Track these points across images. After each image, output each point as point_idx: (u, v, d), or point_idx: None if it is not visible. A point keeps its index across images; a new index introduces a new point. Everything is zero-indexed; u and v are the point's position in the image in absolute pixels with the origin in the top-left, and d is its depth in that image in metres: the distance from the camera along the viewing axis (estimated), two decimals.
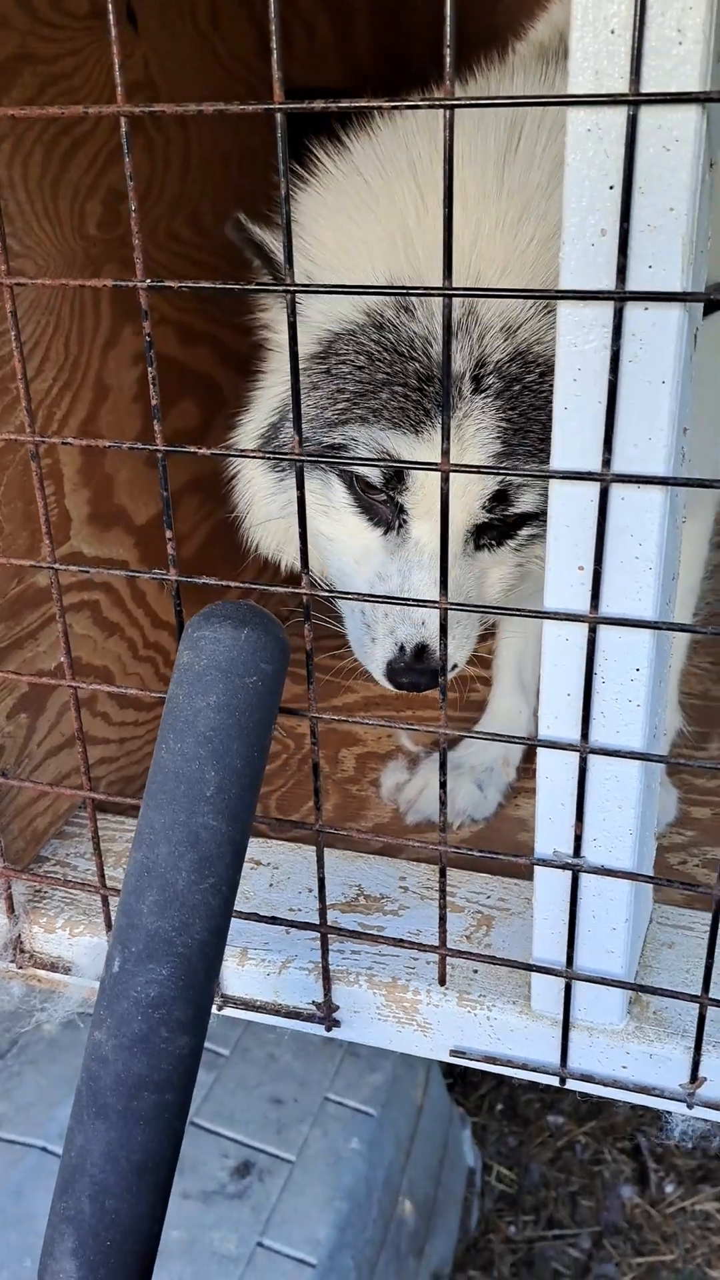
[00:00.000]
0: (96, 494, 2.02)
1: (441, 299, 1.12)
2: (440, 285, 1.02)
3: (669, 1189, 4.00)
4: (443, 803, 1.36)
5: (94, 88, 1.82)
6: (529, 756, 2.22)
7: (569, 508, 1.14)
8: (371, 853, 2.01)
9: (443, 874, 1.42)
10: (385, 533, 1.58)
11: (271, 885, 1.81)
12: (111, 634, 2.16)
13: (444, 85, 0.96)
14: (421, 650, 1.54)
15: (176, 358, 2.32)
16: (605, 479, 1.09)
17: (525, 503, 1.53)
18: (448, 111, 0.97)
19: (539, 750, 1.30)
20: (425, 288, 1.37)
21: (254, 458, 1.67)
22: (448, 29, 0.94)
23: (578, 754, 1.26)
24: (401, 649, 1.55)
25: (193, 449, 1.23)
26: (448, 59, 0.95)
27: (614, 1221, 3.93)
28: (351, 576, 1.64)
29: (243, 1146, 3.07)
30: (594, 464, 1.10)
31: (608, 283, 1.02)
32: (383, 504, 1.56)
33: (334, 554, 1.67)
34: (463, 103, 0.98)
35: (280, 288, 1.10)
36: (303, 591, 1.25)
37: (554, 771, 1.30)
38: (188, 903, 1.20)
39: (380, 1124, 3.21)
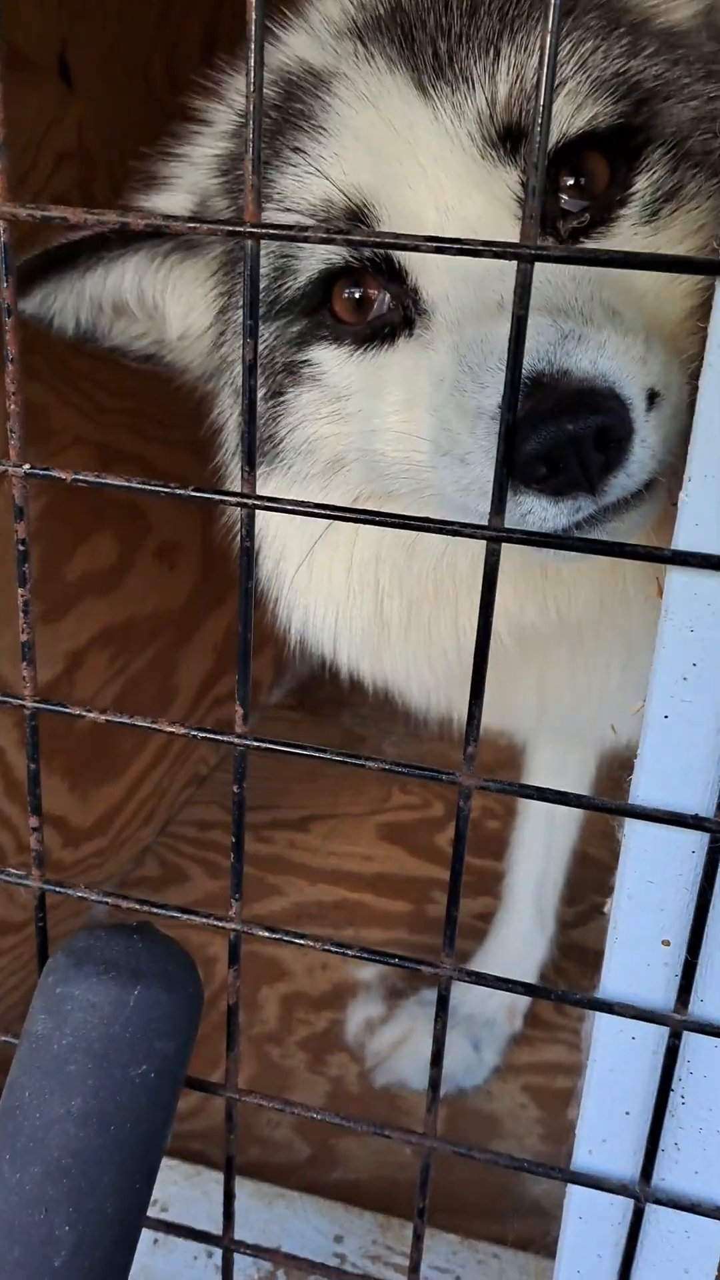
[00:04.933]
0: None
1: None
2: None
3: None
4: (418, 1236, 0.97)
5: None
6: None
7: (656, 852, 0.79)
8: (294, 1171, 1.60)
9: None
10: (396, 341, 1.03)
11: (156, 1243, 1.38)
12: None
13: (522, 229, 0.63)
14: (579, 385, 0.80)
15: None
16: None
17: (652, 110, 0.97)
18: (528, 265, 0.64)
19: (569, 1186, 0.92)
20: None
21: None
22: (532, 182, 0.61)
23: (633, 1200, 0.89)
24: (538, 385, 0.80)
25: (70, 709, 0.85)
26: (529, 201, 0.62)
27: None
28: (401, 456, 1.02)
29: None
30: (704, 807, 0.75)
31: None
32: (374, 315, 1.02)
33: (375, 447, 1.05)
34: (544, 255, 0.64)
35: (235, 499, 0.75)
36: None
37: (593, 1213, 0.93)
38: None
39: None
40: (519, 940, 1.86)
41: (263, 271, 1.03)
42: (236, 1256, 1.15)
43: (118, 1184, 0.84)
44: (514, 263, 0.64)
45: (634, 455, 0.81)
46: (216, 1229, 1.37)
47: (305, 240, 0.67)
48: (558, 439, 0.76)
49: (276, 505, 0.75)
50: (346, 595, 1.16)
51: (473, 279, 0.91)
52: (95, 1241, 0.83)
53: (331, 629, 1.20)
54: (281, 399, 1.08)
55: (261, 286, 1.03)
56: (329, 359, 1.04)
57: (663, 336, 0.86)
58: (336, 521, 1.09)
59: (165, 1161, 1.50)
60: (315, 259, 1.01)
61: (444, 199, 0.93)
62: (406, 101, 0.96)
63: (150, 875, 2.33)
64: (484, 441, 0.85)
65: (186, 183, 1.18)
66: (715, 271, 0.63)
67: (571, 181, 0.95)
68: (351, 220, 0.97)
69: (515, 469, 0.77)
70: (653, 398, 0.81)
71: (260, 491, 1.12)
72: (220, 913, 0.93)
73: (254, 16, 0.65)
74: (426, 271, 0.96)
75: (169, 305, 1.22)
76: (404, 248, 0.66)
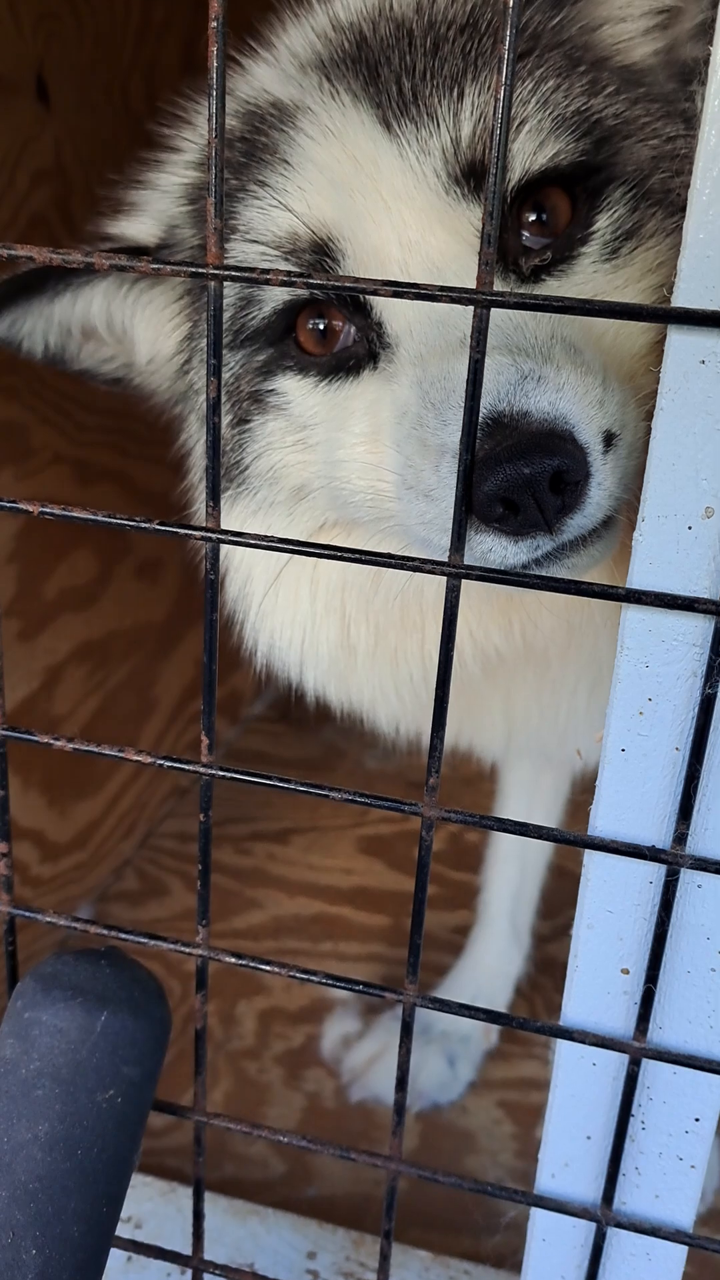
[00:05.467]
0: None
1: None
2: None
3: None
4: (385, 1257, 0.98)
5: None
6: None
7: (615, 882, 0.80)
8: (269, 1187, 1.60)
9: None
10: (361, 374, 1.02)
11: (130, 1260, 1.38)
12: None
13: (478, 275, 0.64)
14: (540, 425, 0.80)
15: (71, 502, 1.97)
16: (682, 862, 0.76)
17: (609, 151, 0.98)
18: (484, 311, 0.65)
19: (533, 1209, 0.93)
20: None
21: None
22: (487, 230, 0.62)
23: (595, 1223, 0.90)
24: (498, 425, 0.79)
25: (38, 738, 0.86)
26: (484, 248, 0.63)
27: None
28: (365, 486, 1.01)
29: None
30: (661, 839, 0.77)
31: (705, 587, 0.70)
32: (338, 347, 1.02)
33: (339, 476, 1.03)
34: (499, 301, 0.66)
35: (199, 533, 0.76)
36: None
37: (556, 1236, 0.94)
38: None
39: None
40: (494, 956, 1.87)
41: (228, 300, 1.04)
42: (206, 1276, 1.16)
43: (84, 1209, 0.85)
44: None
45: (590, 497, 0.82)
46: (190, 1246, 1.38)
47: (266, 283, 0.69)
48: (515, 482, 0.77)
49: (241, 540, 0.76)
50: (313, 620, 1.16)
51: (436, 315, 0.92)
52: (61, 1266, 0.83)
53: (298, 653, 1.20)
54: (247, 426, 1.09)
55: (227, 315, 1.05)
56: (294, 389, 1.05)
57: (621, 374, 0.87)
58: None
59: (140, 1178, 1.51)
60: (280, 289, 1.01)
61: (407, 235, 0.94)
62: (371, 137, 0.97)
63: (130, 889, 2.34)
64: (448, 478, 0.86)
65: (154, 210, 1.19)
66: (667, 320, 0.65)
67: (534, 218, 0.96)
68: (316, 253, 0.98)
69: (475, 508, 0.78)
70: (609, 439, 0.83)
71: (226, 515, 1.14)
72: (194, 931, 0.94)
73: (215, 63, 0.66)
74: (390, 306, 0.97)
75: (137, 330, 1.23)
76: (362, 291, 0.67)
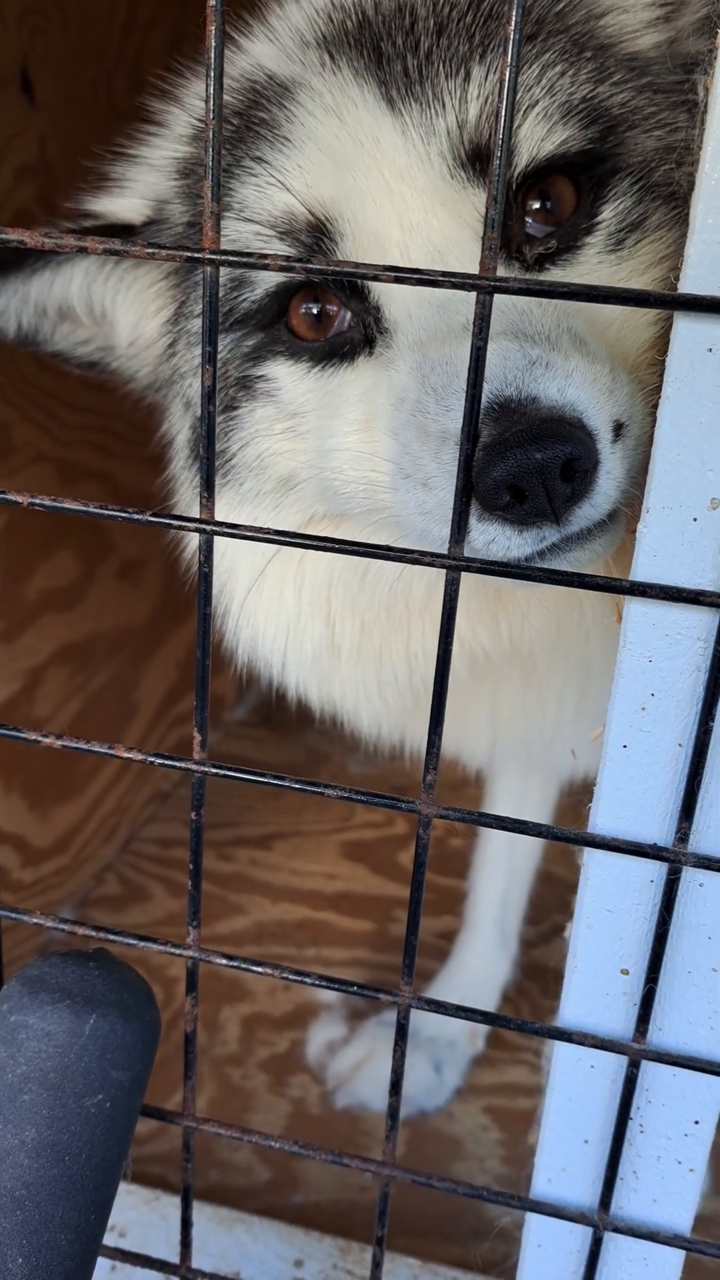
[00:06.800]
0: None
1: None
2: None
3: None
4: (377, 1264, 0.96)
5: None
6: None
7: (615, 881, 0.79)
8: (254, 1194, 1.58)
9: None
10: (355, 360, 0.99)
11: (114, 1269, 1.36)
12: None
13: (481, 260, 0.63)
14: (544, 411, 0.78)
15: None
16: (685, 860, 0.75)
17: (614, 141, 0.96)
18: (487, 297, 0.64)
19: (529, 1214, 0.91)
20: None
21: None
22: (491, 214, 0.61)
23: (592, 1228, 0.88)
24: (505, 411, 0.77)
25: (25, 735, 0.84)
26: (488, 232, 0.62)
27: None
28: (357, 477, 0.97)
29: None
30: (663, 837, 0.76)
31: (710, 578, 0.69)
32: (333, 332, 1.00)
33: (330, 466, 1.00)
34: (503, 287, 0.64)
35: (194, 524, 0.74)
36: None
37: (552, 1241, 0.92)
38: None
39: None
40: (481, 961, 1.86)
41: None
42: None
43: (72, 1216, 0.82)
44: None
45: (599, 487, 0.80)
46: (175, 1255, 1.35)
47: (264, 268, 0.67)
48: (525, 467, 0.75)
49: (236, 531, 0.74)
50: (297, 617, 1.14)
51: (436, 300, 0.90)
52: (49, 1274, 0.81)
53: (281, 651, 1.17)
54: (234, 413, 1.06)
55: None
56: (284, 375, 1.02)
57: (627, 367, 0.86)
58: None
59: (123, 1186, 1.48)
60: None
61: (409, 217, 0.92)
62: (373, 116, 0.94)
63: (112, 894, 2.31)
64: (449, 465, 0.83)
65: (141, 186, 1.16)
66: (674, 306, 0.63)
67: (538, 206, 0.94)
68: (314, 234, 0.96)
69: (480, 496, 0.76)
70: (618, 429, 0.81)
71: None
72: (180, 933, 0.92)
73: (214, 41, 0.64)
74: (389, 290, 0.94)
75: (119, 312, 1.19)
76: (363, 276, 0.65)
